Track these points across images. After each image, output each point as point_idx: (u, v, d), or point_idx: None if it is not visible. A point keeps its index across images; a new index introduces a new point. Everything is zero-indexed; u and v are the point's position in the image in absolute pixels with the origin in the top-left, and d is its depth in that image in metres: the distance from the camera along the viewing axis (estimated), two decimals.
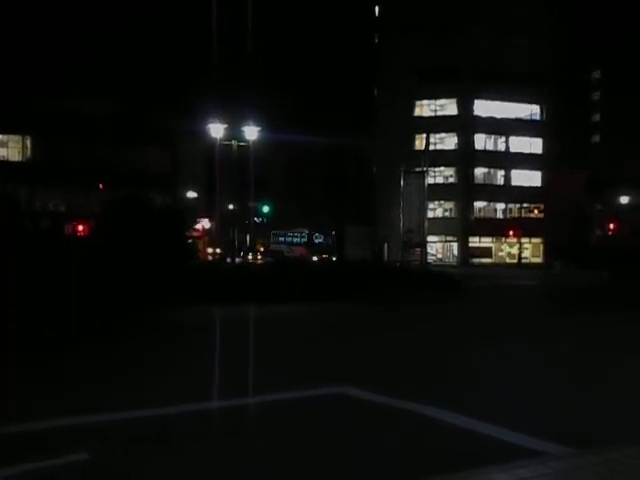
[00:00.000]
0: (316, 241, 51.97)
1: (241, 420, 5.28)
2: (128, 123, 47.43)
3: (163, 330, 11.63)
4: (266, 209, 57.10)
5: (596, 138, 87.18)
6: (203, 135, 38.66)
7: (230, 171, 42.19)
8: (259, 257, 52.51)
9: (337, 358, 8.30)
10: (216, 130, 35.66)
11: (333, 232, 52.12)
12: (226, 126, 36.20)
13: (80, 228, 35.10)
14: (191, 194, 52.83)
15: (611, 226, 48.82)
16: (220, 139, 36.43)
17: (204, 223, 51.79)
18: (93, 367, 7.90)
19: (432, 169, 58.98)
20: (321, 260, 44.50)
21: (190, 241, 32.78)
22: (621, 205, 51.62)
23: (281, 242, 55.33)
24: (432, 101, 66.74)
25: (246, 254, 51.31)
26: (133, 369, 7.83)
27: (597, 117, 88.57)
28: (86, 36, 45.71)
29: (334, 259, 45.02)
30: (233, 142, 37.46)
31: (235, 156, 38.51)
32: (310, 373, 7.21)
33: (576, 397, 5.97)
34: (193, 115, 42.70)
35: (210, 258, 42.84)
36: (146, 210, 19.58)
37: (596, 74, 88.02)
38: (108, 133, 46.42)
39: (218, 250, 45.64)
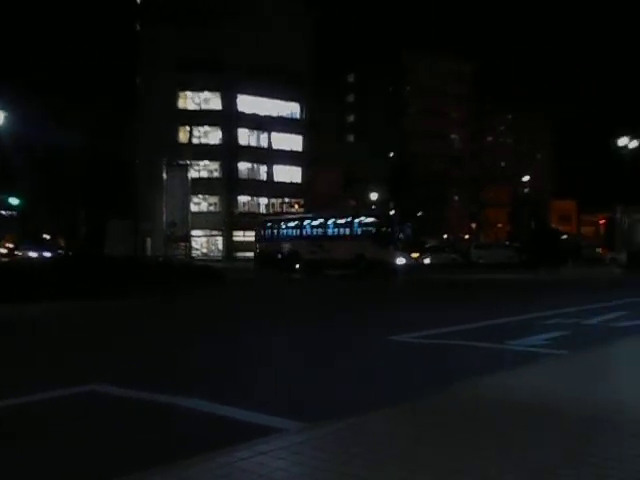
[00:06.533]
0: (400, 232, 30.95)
1: None
2: None
3: None
4: (15, 201, 52.29)
5: (351, 137, 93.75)
6: None
7: None
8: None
9: (85, 357, 7.98)
10: None
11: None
12: None
13: None
14: None
15: None
16: None
17: None
18: None
19: (196, 163, 59.24)
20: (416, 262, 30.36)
21: None
22: (371, 200, 56.21)
23: (286, 236, 33.79)
24: (196, 93, 66.83)
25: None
26: None
27: (352, 118, 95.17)
28: None
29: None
30: None
31: None
32: (57, 374, 6.85)
33: (310, 379, 6.42)
34: None
35: None
36: None
37: (350, 77, 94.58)
38: None
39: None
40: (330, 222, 31.86)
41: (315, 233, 32.43)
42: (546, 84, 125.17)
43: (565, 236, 47.34)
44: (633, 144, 44.90)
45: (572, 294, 18.49)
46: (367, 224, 30.40)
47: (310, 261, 30.85)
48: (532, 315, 11.59)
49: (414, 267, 28.08)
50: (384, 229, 29.52)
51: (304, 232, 32.94)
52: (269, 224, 35.57)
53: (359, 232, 30.55)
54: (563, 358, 6.79)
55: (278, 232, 34.39)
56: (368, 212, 32.20)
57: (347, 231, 31.12)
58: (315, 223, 32.63)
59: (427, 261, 29.49)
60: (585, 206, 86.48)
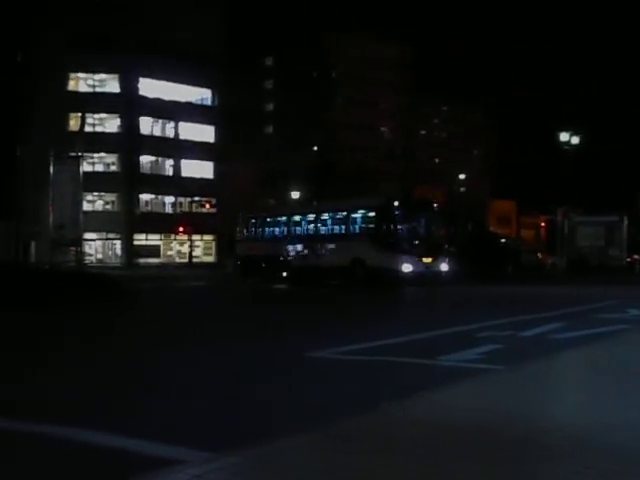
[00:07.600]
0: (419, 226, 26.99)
1: None
2: None
3: None
4: None
5: (269, 129, 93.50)
6: None
7: None
8: None
9: None
10: None
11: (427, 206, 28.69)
12: None
13: None
14: None
15: None
16: None
17: None
18: None
19: (90, 155, 57.76)
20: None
21: None
22: (292, 199, 56.41)
23: (272, 237, 31.40)
24: (90, 75, 65.15)
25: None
26: None
27: (270, 106, 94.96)
28: None
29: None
30: None
31: None
32: None
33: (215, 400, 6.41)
34: None
35: None
36: None
37: (269, 61, 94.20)
38: None
39: None
40: (323, 218, 28.80)
41: (305, 233, 29.58)
42: (484, 76, 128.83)
43: (504, 240, 48.80)
44: (575, 140, 46.80)
45: (507, 304, 19.09)
46: (365, 219, 26.81)
47: (300, 268, 28.44)
48: (465, 327, 11.91)
49: (425, 275, 25.65)
50: (386, 226, 25.76)
51: (292, 231, 30.21)
52: (253, 221, 33.30)
53: (356, 230, 27.11)
54: (496, 374, 7.02)
55: (263, 231, 32.16)
56: (365, 203, 28.03)
57: (341, 229, 27.79)
58: (306, 220, 29.81)
59: (444, 267, 26.53)
60: (526, 207, 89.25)
